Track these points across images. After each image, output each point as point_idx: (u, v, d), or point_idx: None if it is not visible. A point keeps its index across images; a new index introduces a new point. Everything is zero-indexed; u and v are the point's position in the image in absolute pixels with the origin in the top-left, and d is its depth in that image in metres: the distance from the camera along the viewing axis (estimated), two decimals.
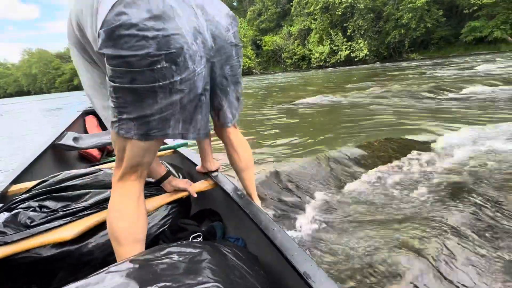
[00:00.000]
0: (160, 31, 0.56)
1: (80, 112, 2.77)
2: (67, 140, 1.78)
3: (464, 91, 5.51)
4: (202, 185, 1.10)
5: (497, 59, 12.57)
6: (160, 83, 0.59)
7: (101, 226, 0.89)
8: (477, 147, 2.52)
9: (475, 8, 19.84)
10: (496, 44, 19.56)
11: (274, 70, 30.56)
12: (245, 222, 0.84)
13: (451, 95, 5.30)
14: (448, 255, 1.14)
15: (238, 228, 0.98)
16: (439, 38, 22.51)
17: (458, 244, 1.22)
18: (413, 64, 16.93)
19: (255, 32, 32.46)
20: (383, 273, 1.06)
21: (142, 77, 0.58)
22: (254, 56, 32.59)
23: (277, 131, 3.68)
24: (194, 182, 1.16)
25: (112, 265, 0.60)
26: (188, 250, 0.70)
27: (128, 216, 0.71)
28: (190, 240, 0.94)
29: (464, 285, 1.02)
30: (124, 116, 0.62)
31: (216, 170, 1.18)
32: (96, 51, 0.60)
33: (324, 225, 1.46)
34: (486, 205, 1.51)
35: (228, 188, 1.00)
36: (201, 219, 1.16)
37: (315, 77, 15.57)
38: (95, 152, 2.04)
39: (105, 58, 0.57)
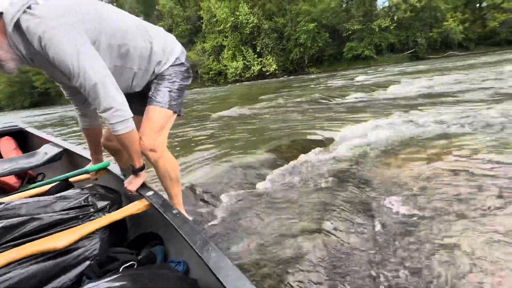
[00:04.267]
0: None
1: None
2: None
3: (348, 97, 6.80)
4: (135, 206, 0.99)
5: (369, 71, 16.13)
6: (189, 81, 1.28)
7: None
8: (359, 140, 3.13)
9: (350, 32, 25.13)
10: (367, 60, 25.15)
11: (192, 86, 30.21)
12: (184, 244, 0.78)
13: (340, 101, 6.45)
14: (335, 230, 1.37)
15: (180, 250, 0.90)
16: (329, 55, 27.26)
17: (342, 219, 1.48)
18: (312, 76, 19.87)
19: None
20: (289, 259, 1.18)
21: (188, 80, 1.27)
22: None
23: (194, 145, 3.63)
24: (130, 202, 1.03)
25: None
26: (114, 286, 0.63)
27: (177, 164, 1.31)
28: (120, 271, 0.82)
29: (347, 250, 1.24)
30: (180, 100, 1.22)
31: (144, 185, 1.11)
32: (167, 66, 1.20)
33: (237, 226, 1.52)
34: (362, 185, 1.90)
35: (163, 207, 0.92)
36: (141, 244, 1.04)
37: (231, 91, 16.21)
38: (11, 180, 1.69)
39: (183, 71, 1.23)
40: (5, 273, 0.71)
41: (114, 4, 39.37)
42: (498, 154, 2.16)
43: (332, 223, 1.38)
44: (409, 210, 1.52)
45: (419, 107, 4.43)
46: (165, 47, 1.16)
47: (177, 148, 3.54)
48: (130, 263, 0.84)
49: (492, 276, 1.03)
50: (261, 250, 1.28)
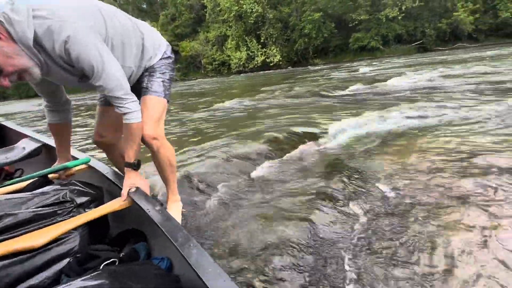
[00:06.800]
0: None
1: None
2: None
3: (350, 88, 6.75)
4: (118, 203, 0.99)
5: (374, 63, 15.86)
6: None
7: None
8: (355, 131, 3.16)
9: (356, 22, 24.57)
10: (374, 51, 24.66)
11: (195, 76, 30.05)
12: (167, 240, 0.78)
13: (340, 93, 6.41)
14: (324, 218, 1.43)
15: (163, 247, 0.90)
16: (334, 46, 26.78)
17: (332, 207, 1.54)
18: (316, 68, 19.62)
19: (170, 37, 31.15)
20: (279, 246, 1.24)
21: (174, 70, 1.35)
22: None
23: (193, 136, 3.69)
24: (112, 199, 1.03)
25: None
26: (92, 284, 0.63)
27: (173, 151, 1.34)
28: (101, 268, 0.80)
29: (334, 238, 1.30)
30: (170, 90, 1.29)
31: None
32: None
33: (230, 216, 1.59)
34: (354, 174, 1.95)
35: (146, 204, 0.92)
36: (123, 241, 1.03)
37: (234, 82, 16.12)
38: None
39: (171, 63, 1.32)
40: None
41: None
42: (494, 148, 2.18)
43: (321, 212, 1.43)
44: (399, 199, 1.56)
45: (418, 101, 4.40)
46: (154, 43, 1.23)
47: (174, 138, 3.60)
48: (111, 260, 0.83)
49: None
50: (249, 237, 1.34)
